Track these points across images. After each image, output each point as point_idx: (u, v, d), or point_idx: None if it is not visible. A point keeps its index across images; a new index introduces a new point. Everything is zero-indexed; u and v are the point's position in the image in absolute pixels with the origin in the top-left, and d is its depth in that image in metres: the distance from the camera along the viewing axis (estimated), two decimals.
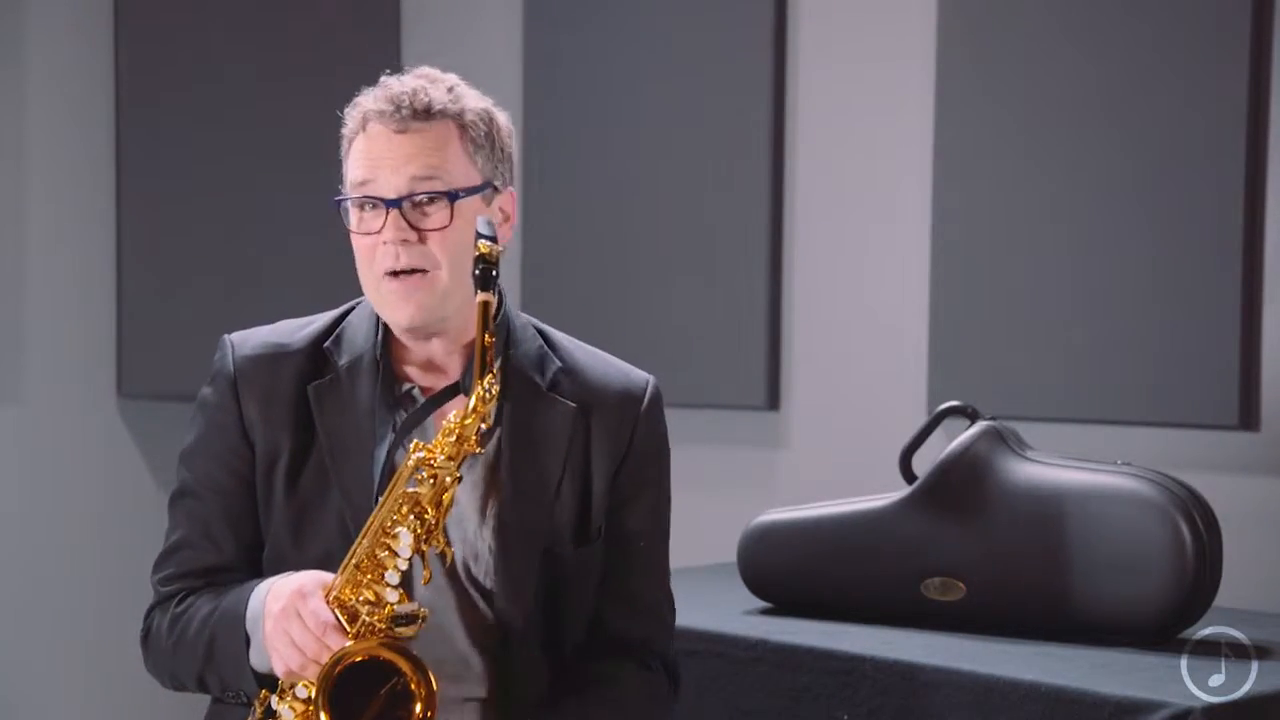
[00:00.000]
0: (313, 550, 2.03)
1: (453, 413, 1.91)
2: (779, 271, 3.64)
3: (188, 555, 2.09)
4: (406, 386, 2.07)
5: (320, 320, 2.13)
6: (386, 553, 1.91)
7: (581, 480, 2.07)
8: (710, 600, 2.73)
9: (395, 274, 1.99)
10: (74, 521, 4.11)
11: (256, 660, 1.98)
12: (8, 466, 4.04)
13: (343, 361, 2.06)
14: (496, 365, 1.96)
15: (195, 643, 2.02)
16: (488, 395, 1.88)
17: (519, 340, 2.10)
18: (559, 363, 2.11)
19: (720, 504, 3.50)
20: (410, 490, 1.90)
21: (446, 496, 1.90)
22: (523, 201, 3.89)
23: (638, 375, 2.16)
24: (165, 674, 2.11)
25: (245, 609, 1.98)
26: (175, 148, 4.09)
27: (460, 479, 1.91)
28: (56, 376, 4.10)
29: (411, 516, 1.90)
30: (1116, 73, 3.11)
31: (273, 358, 2.08)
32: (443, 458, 1.89)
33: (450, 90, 2.03)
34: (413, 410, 2.05)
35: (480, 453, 1.93)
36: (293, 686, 1.95)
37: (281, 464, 2.05)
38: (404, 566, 1.92)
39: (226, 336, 2.12)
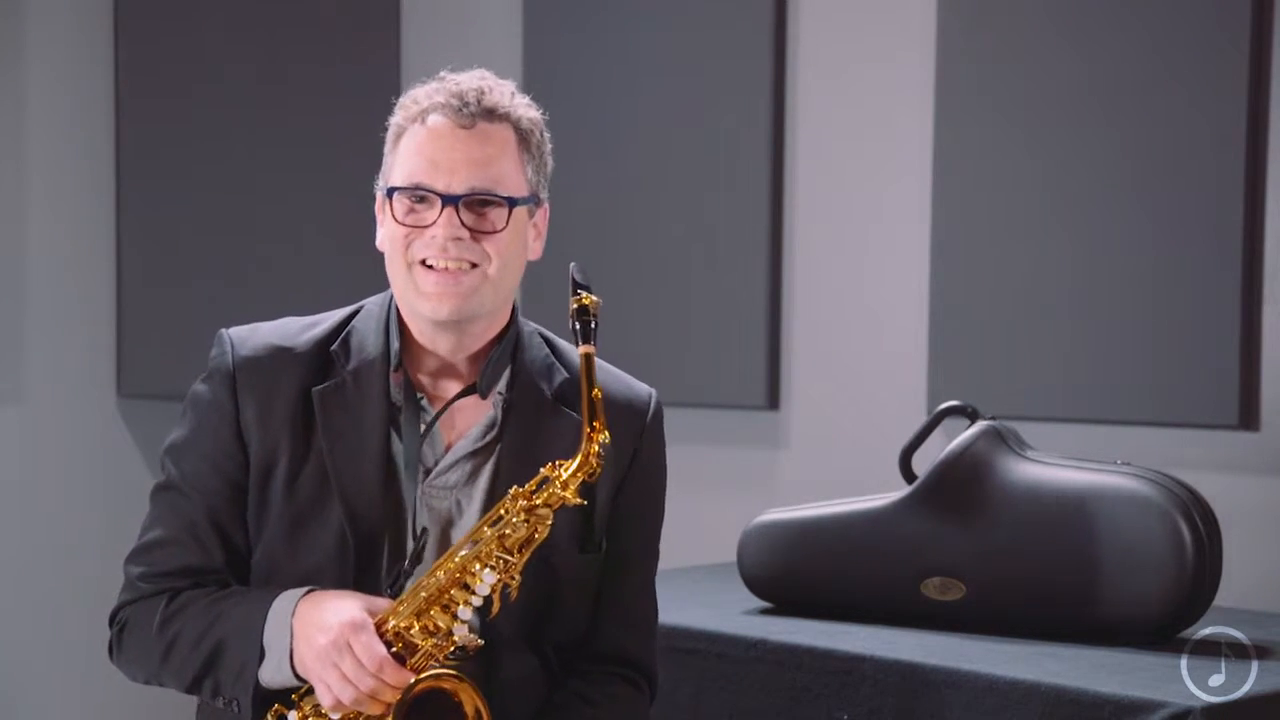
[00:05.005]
0: (307, 561, 1.99)
1: (557, 462, 1.92)
2: (779, 271, 3.64)
3: (172, 552, 2.02)
4: (417, 396, 2.04)
5: (325, 322, 2.08)
6: (461, 589, 1.91)
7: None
8: (710, 600, 2.73)
9: (433, 267, 1.97)
10: (74, 521, 4.11)
11: (270, 675, 1.94)
12: (8, 466, 4.04)
13: (350, 366, 2.02)
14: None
15: (197, 648, 1.98)
16: (601, 451, 1.90)
17: (527, 347, 2.08)
18: (565, 374, 2.09)
19: (720, 504, 3.50)
20: (500, 532, 1.90)
21: (537, 539, 1.91)
22: None
23: (641, 389, 2.14)
24: (143, 671, 2.05)
25: (263, 622, 1.94)
26: (175, 148, 4.09)
27: (551, 525, 1.92)
28: (56, 376, 4.10)
29: (498, 556, 1.90)
30: (1116, 72, 3.11)
31: (275, 359, 2.02)
32: (541, 504, 1.91)
33: (512, 96, 2.04)
34: (428, 419, 2.02)
35: (583, 504, 1.94)
36: (316, 706, 1.94)
37: (279, 470, 2.00)
38: (478, 603, 1.91)
39: (225, 332, 2.05)
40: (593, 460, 1.90)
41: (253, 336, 2.05)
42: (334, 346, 2.04)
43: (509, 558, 1.90)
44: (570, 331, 1.96)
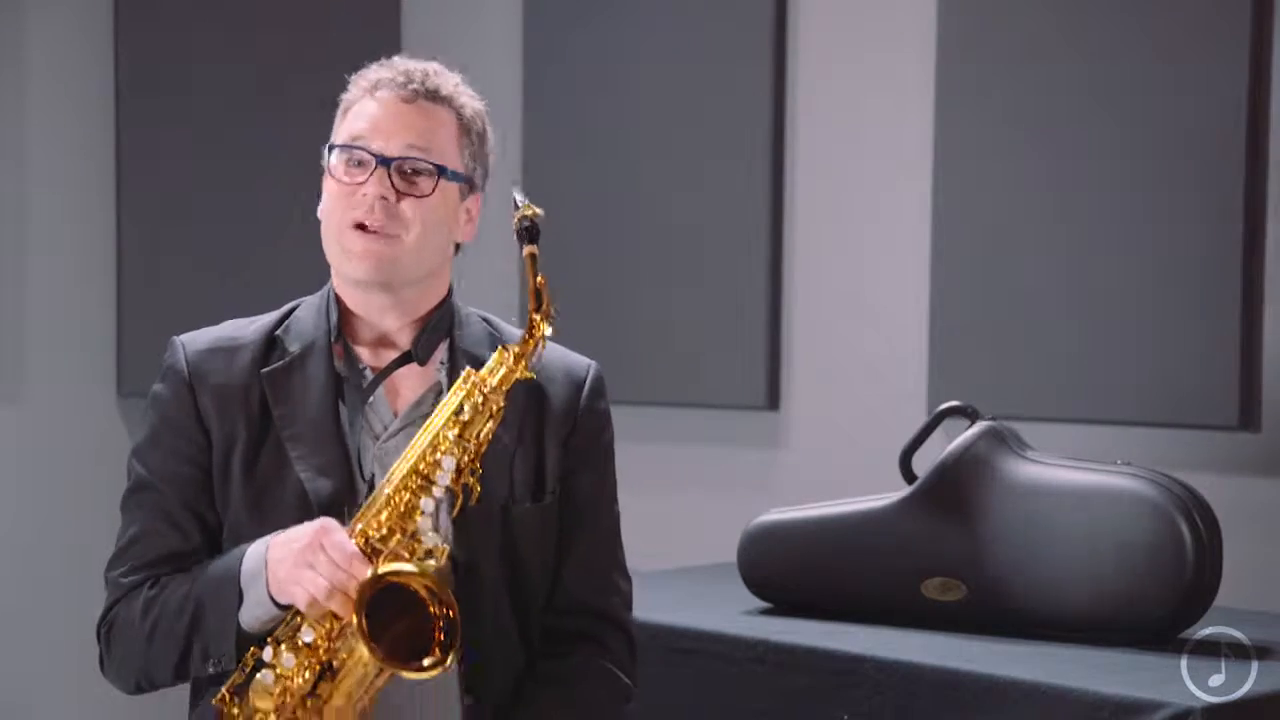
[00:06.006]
0: (272, 527, 2.04)
1: (505, 346, 2.03)
2: (779, 271, 3.64)
3: (151, 543, 2.10)
4: (360, 366, 2.13)
5: (268, 316, 2.19)
6: (423, 481, 1.97)
7: (535, 445, 2.13)
8: (710, 600, 2.73)
9: (363, 229, 2.07)
10: (74, 521, 4.11)
11: (251, 614, 1.99)
12: (8, 466, 4.04)
13: (294, 348, 2.13)
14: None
15: (179, 614, 2.03)
16: (547, 335, 2.01)
17: (464, 323, 2.18)
18: (505, 342, 2.17)
19: (720, 504, 3.50)
20: (457, 419, 1.98)
21: (492, 424, 2.00)
22: None
23: (580, 359, 2.23)
24: (133, 667, 2.11)
25: (239, 566, 2.00)
26: (175, 148, 4.09)
27: (504, 408, 2.00)
28: (56, 376, 4.10)
29: (454, 440, 1.97)
30: (1116, 72, 3.11)
31: (225, 351, 2.14)
32: (495, 383, 2.00)
33: (457, 84, 2.14)
34: (366, 384, 2.11)
35: (532, 378, 2.03)
36: (295, 632, 1.96)
37: (238, 449, 2.09)
38: (440, 495, 1.98)
39: (175, 338, 2.18)
40: (540, 339, 2.01)
41: (201, 336, 2.18)
42: (278, 332, 2.16)
43: (467, 443, 1.98)
44: (516, 236, 2.04)
